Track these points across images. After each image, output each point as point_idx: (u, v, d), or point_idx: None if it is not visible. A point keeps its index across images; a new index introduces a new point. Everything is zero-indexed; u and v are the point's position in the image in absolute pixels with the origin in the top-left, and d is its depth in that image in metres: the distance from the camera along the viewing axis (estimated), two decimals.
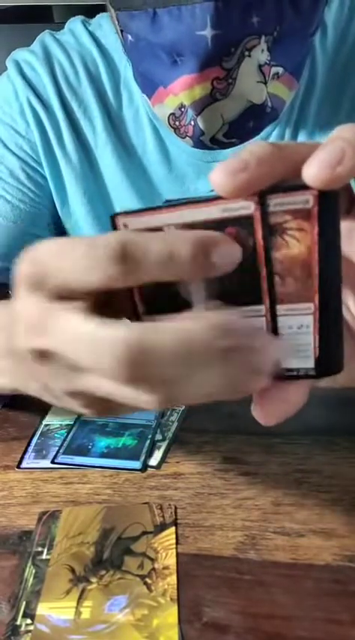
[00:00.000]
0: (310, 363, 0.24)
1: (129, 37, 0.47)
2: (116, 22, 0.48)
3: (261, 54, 0.44)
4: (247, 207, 0.22)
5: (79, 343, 0.22)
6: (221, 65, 0.43)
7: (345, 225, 0.23)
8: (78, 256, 0.22)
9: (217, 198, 0.22)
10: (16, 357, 0.27)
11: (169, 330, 0.21)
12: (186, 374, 0.22)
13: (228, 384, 0.22)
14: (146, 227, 0.23)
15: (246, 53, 0.43)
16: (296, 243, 0.22)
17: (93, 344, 0.21)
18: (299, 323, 0.24)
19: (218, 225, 0.22)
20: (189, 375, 0.22)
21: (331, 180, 0.20)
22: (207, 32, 0.41)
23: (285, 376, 0.25)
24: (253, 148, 0.21)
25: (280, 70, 0.46)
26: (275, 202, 0.22)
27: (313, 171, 0.20)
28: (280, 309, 0.24)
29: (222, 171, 0.21)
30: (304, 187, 0.21)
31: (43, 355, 0.24)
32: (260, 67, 0.44)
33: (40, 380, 0.26)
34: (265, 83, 0.45)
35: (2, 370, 0.31)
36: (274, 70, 0.45)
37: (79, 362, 0.22)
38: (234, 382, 0.22)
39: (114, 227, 0.23)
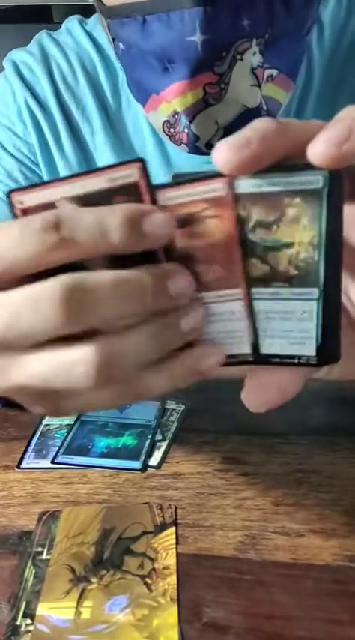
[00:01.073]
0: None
1: (121, 45, 0.46)
2: (107, 31, 0.48)
3: (253, 57, 0.43)
4: (130, 175, 0.22)
5: (19, 306, 0.22)
6: (212, 70, 0.42)
7: (348, 211, 0.22)
8: (15, 233, 0.22)
9: (104, 168, 0.22)
10: None
11: (104, 273, 0.23)
12: (119, 323, 0.23)
13: (158, 344, 0.24)
14: (40, 202, 0.23)
15: (238, 57, 0.42)
16: (214, 230, 0.23)
17: (32, 299, 0.22)
18: (230, 309, 0.25)
19: (107, 194, 0.23)
20: (122, 329, 0.23)
21: (338, 159, 0.20)
22: (197, 37, 0.40)
23: (285, 362, 0.25)
24: (256, 124, 0.21)
25: (274, 72, 0.45)
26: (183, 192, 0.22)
27: (319, 150, 0.20)
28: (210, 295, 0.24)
29: (224, 148, 0.21)
30: (310, 167, 0.20)
31: None
32: (253, 70, 0.44)
33: None
34: (259, 86, 0.45)
35: None
36: (268, 72, 0.45)
37: (19, 323, 0.22)
38: (162, 341, 0.24)
39: (11, 205, 0.24)
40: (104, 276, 0.23)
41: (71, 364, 0.23)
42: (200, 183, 0.22)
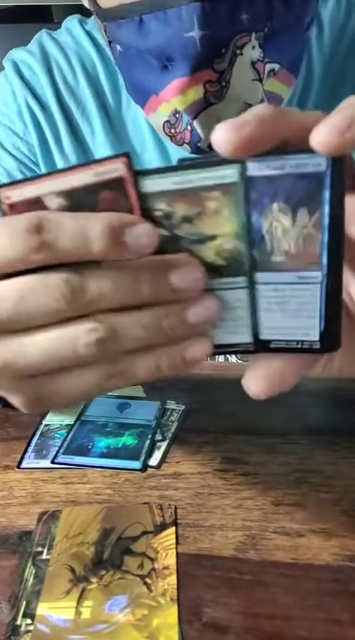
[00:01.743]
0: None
1: (118, 47, 0.46)
2: (104, 34, 0.47)
3: (252, 51, 0.43)
4: (116, 169, 0.22)
5: (24, 291, 0.24)
6: (212, 67, 0.42)
7: (349, 205, 0.22)
8: None
9: (90, 163, 0.22)
10: None
11: (104, 270, 0.24)
12: (120, 305, 0.24)
13: (159, 329, 0.24)
14: (27, 197, 0.23)
15: (238, 52, 0.42)
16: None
17: (40, 282, 0.23)
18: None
19: (93, 189, 0.23)
20: (124, 315, 0.24)
21: (339, 145, 0.20)
22: (195, 33, 0.40)
23: (288, 348, 0.25)
24: (255, 108, 0.21)
25: (276, 66, 0.45)
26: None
27: (321, 136, 0.20)
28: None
29: (222, 130, 0.21)
30: (312, 151, 0.21)
31: None
32: (253, 64, 0.43)
33: None
34: (260, 81, 0.45)
35: None
36: (269, 66, 0.45)
37: (24, 306, 0.23)
38: (164, 328, 0.24)
39: None
40: (103, 272, 0.23)
41: (73, 338, 0.24)
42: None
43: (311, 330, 0.24)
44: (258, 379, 0.26)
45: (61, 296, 0.23)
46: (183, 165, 0.22)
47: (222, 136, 0.21)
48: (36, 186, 0.23)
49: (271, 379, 0.26)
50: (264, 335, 0.25)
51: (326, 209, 0.22)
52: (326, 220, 0.22)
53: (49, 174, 0.23)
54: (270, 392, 0.26)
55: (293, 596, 0.34)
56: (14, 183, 0.23)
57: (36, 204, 0.23)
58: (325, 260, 0.23)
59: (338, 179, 0.21)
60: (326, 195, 0.21)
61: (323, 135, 0.20)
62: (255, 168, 0.22)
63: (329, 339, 0.24)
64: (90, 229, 0.22)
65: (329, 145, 0.20)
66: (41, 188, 0.23)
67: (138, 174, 0.23)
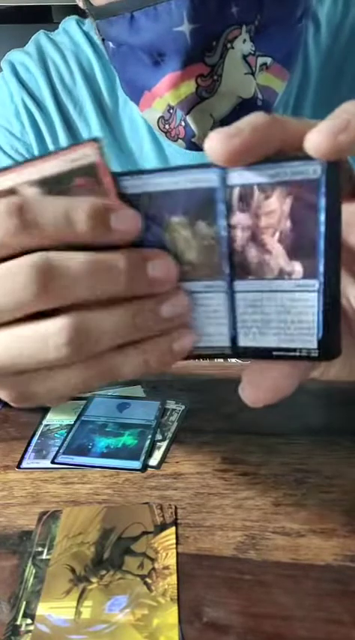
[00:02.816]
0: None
1: (111, 44, 0.47)
2: (97, 32, 0.48)
3: (243, 44, 0.43)
4: (88, 155, 0.22)
5: None
6: (204, 61, 0.42)
7: (347, 214, 0.22)
8: None
9: (62, 149, 0.22)
10: None
11: (78, 253, 0.23)
12: (94, 300, 0.23)
13: (134, 326, 0.24)
14: (1, 187, 0.23)
15: (229, 45, 0.42)
16: None
17: (3, 274, 0.22)
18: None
19: (67, 176, 0.23)
20: (99, 306, 0.23)
21: (333, 148, 0.20)
22: (185, 27, 0.40)
23: (285, 356, 0.25)
24: (249, 117, 0.21)
25: (268, 60, 0.45)
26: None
27: (315, 139, 0.20)
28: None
29: (216, 137, 0.21)
30: (309, 158, 0.21)
31: None
32: (244, 57, 0.43)
33: None
34: (252, 74, 0.45)
35: None
36: (261, 60, 0.45)
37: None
38: (139, 324, 0.24)
39: None
40: (77, 256, 0.23)
41: (43, 336, 0.23)
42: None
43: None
44: (254, 388, 0.26)
45: (29, 284, 0.22)
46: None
47: (213, 146, 0.21)
48: (10, 176, 0.23)
49: (267, 388, 0.26)
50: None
51: (322, 216, 0.22)
52: (322, 228, 0.22)
53: (21, 163, 0.23)
54: (266, 401, 0.26)
55: (293, 596, 0.34)
56: None
57: (11, 194, 0.23)
58: (322, 268, 0.22)
59: (333, 186, 0.21)
60: (322, 202, 0.21)
61: (316, 138, 0.20)
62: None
63: (329, 347, 0.24)
64: (74, 211, 0.22)
65: (323, 148, 0.20)
66: (15, 178, 0.23)
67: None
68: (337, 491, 0.41)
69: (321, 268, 0.22)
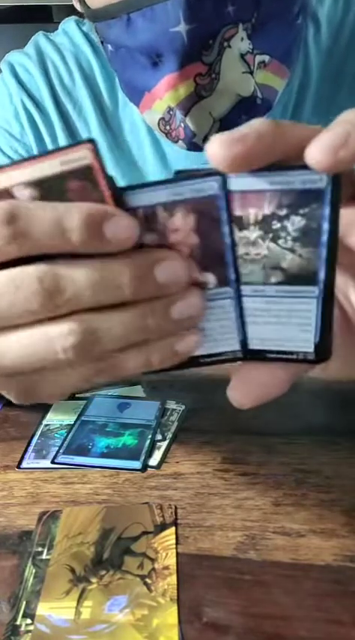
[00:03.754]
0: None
1: (109, 47, 0.47)
2: (96, 34, 0.48)
3: (240, 42, 0.43)
4: (83, 157, 0.21)
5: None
6: (201, 60, 0.42)
7: (348, 213, 0.22)
8: None
9: (56, 150, 0.21)
10: None
11: (82, 263, 0.22)
12: (99, 302, 0.22)
13: (143, 328, 0.23)
14: None
15: (226, 44, 0.42)
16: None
17: (11, 281, 0.22)
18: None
19: (62, 178, 0.22)
20: (107, 309, 0.23)
21: (333, 165, 0.20)
22: (182, 27, 0.40)
23: (282, 359, 0.25)
24: (254, 122, 0.21)
25: (266, 58, 0.45)
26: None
27: (315, 155, 0.20)
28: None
29: (218, 142, 0.20)
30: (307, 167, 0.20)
31: None
32: (242, 56, 0.43)
33: None
34: (251, 73, 0.45)
35: None
36: (259, 58, 0.45)
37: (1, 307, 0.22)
38: (148, 325, 0.23)
39: None
40: (83, 267, 0.22)
41: (51, 339, 0.23)
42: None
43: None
44: (243, 389, 0.26)
45: (34, 296, 0.22)
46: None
47: (215, 151, 0.20)
48: (3, 177, 0.22)
49: (255, 390, 0.26)
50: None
51: (326, 225, 0.22)
52: (325, 236, 0.22)
53: (15, 163, 0.22)
54: (254, 403, 0.26)
55: (293, 596, 0.34)
56: None
57: (4, 195, 0.22)
58: (323, 275, 0.23)
59: (336, 195, 0.21)
60: (327, 211, 0.21)
61: (317, 154, 0.20)
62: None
63: (323, 350, 0.24)
64: (68, 219, 0.21)
65: (324, 164, 0.20)
66: (8, 179, 0.22)
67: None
68: (337, 491, 0.41)
69: (322, 275, 0.23)
